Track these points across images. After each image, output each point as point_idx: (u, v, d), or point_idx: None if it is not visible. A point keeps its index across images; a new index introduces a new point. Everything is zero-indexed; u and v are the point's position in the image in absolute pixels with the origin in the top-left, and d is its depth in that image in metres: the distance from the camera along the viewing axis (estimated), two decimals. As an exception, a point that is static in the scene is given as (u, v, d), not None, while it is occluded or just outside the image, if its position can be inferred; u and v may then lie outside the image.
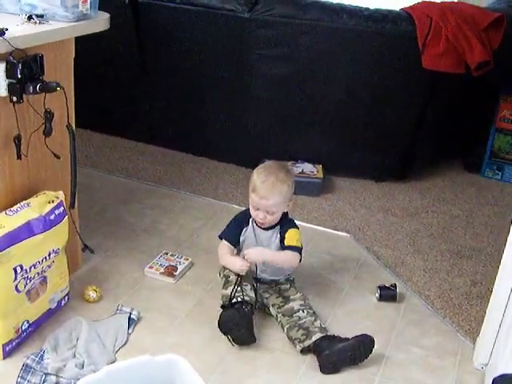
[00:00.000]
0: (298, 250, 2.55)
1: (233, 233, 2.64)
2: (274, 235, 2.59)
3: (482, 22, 3.48)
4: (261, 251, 2.53)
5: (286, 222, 2.60)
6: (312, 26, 3.42)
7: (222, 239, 2.66)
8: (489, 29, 3.49)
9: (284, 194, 2.49)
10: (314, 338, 2.34)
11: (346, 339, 2.34)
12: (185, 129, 4.01)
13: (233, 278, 2.51)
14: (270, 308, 2.55)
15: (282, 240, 2.57)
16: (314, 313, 2.49)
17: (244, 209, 2.69)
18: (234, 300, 2.42)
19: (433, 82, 3.53)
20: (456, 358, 2.45)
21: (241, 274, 2.50)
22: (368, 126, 3.70)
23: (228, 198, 3.56)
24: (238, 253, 2.64)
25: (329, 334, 2.39)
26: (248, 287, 2.50)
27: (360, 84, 3.56)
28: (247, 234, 2.62)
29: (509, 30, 3.52)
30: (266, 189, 2.46)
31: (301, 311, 2.47)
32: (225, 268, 2.61)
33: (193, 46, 3.69)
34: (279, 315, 2.49)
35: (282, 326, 2.46)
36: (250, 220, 2.60)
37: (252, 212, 2.55)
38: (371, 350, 2.34)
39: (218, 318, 2.40)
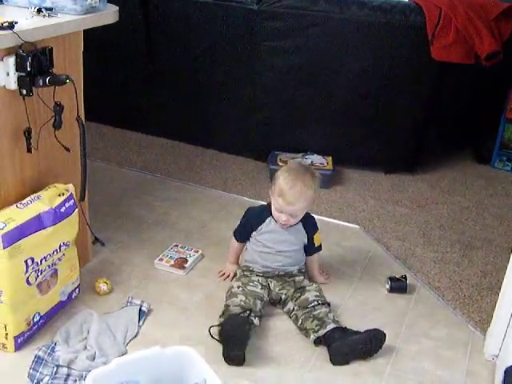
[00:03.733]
0: (321, 247, 2.76)
1: (244, 233, 2.69)
2: (297, 233, 2.62)
3: (491, 13, 3.47)
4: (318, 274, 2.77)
5: (307, 220, 2.64)
6: (321, 18, 3.42)
7: (234, 237, 2.73)
8: (499, 19, 3.47)
9: (309, 198, 2.53)
10: (328, 328, 2.35)
11: (358, 332, 2.35)
12: (194, 121, 4.02)
13: (236, 289, 2.52)
14: (289, 303, 2.54)
15: (309, 240, 2.66)
16: (328, 305, 2.49)
17: (256, 204, 2.70)
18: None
19: (442, 73, 3.51)
20: (466, 349, 2.45)
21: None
22: (377, 118, 3.69)
23: (238, 190, 3.56)
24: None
25: (341, 326, 2.40)
26: (258, 287, 2.54)
27: (369, 75, 3.55)
28: (263, 229, 2.62)
29: (519, 20, 3.51)
30: (294, 195, 2.48)
31: (315, 302, 2.47)
32: (237, 274, 2.67)
33: (202, 38, 3.68)
34: (295, 307, 2.49)
35: (297, 318, 2.46)
36: (269, 219, 2.61)
37: (275, 213, 2.56)
38: (382, 345, 2.34)
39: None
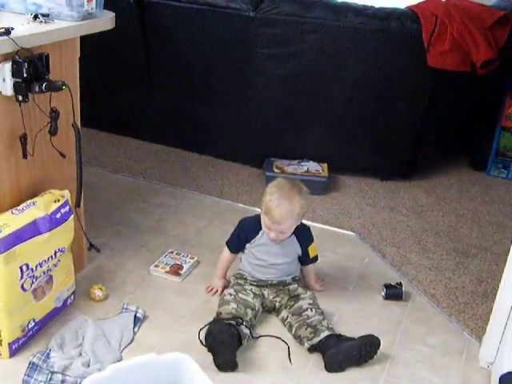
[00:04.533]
0: (317, 258, 2.74)
1: (237, 243, 2.66)
2: (290, 246, 2.59)
3: (487, 20, 3.47)
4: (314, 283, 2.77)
5: (301, 232, 2.61)
6: (317, 25, 3.42)
7: (227, 246, 2.69)
8: (494, 27, 3.48)
9: (296, 215, 2.49)
10: (322, 335, 2.34)
11: (353, 339, 2.34)
12: (190, 128, 4.01)
13: (228, 297, 2.51)
14: (283, 311, 2.53)
15: (303, 253, 2.63)
16: (321, 312, 2.49)
17: (251, 212, 2.68)
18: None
19: (438, 81, 3.52)
20: (462, 356, 2.45)
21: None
22: (373, 125, 3.69)
23: (233, 197, 3.56)
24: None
25: (335, 333, 2.39)
26: (250, 296, 2.53)
27: (365, 82, 3.55)
28: (256, 241, 2.60)
29: (514, 27, 3.52)
30: (280, 215, 2.44)
31: (309, 310, 2.47)
32: (231, 282, 2.66)
33: (198, 44, 3.68)
34: (289, 315, 2.49)
35: (291, 326, 2.45)
36: (261, 231, 2.58)
37: (264, 229, 2.55)
38: (376, 351, 2.34)
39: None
